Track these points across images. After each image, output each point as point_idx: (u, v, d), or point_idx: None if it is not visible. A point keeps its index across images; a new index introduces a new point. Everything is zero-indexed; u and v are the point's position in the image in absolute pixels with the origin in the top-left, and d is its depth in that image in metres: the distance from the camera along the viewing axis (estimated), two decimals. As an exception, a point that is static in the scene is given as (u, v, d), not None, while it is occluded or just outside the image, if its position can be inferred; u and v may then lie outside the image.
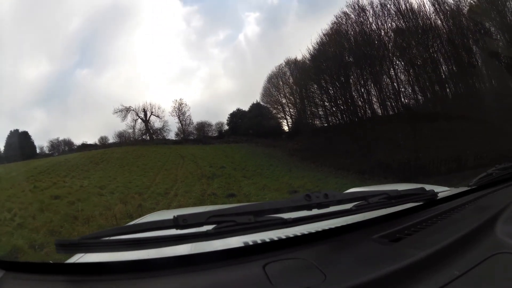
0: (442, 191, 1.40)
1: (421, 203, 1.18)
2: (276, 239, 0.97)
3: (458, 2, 14.13)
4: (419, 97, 15.62)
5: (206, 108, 32.78)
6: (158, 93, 33.52)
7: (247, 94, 32.67)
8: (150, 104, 24.60)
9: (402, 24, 15.52)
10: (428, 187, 1.29)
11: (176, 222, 0.78)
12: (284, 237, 0.96)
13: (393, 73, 15.88)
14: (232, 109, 26.56)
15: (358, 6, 16.88)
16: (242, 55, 29.44)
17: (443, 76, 14.59)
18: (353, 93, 17.42)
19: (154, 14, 34.79)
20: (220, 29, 35.52)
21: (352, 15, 17.17)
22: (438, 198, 1.22)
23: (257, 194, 10.56)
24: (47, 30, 25.40)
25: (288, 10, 30.78)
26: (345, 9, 17.36)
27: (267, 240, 0.96)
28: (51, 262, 0.92)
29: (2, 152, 20.02)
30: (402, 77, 15.71)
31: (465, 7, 14.12)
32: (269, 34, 29.07)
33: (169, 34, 36.23)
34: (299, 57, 21.62)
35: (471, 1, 13.95)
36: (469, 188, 1.40)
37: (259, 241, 0.95)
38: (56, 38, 27.89)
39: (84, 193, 11.53)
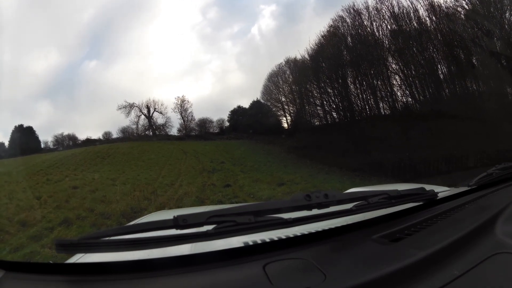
0: (442, 191, 1.40)
1: (421, 203, 1.18)
2: (276, 239, 0.97)
3: (452, 7, 14.24)
4: (415, 97, 15.78)
5: (214, 102, 32.36)
6: (166, 86, 32.93)
7: (257, 89, 32.33)
8: (153, 101, 24.76)
9: (395, 27, 15.68)
10: (428, 187, 1.28)
11: (176, 222, 0.78)
12: (284, 237, 0.96)
13: (388, 74, 16.02)
14: (242, 103, 26.64)
15: (354, 10, 17.07)
16: (256, 49, 28.97)
17: (440, 77, 14.69)
18: (350, 93, 17.58)
19: (171, 6, 34.15)
20: (235, 22, 34.81)
21: (348, 19, 17.38)
22: (438, 198, 1.21)
23: (249, 185, 11.33)
24: (59, 21, 24.89)
25: (304, 5, 30.26)
26: (341, 13, 17.58)
27: (267, 240, 0.96)
28: (51, 262, 0.92)
29: (7, 147, 20.15)
30: (397, 78, 15.87)
31: (459, 11, 14.22)
32: (284, 28, 28.51)
33: (185, 26, 35.52)
34: (299, 57, 21.66)
35: (465, 5, 14.03)
36: (469, 188, 1.39)
37: (259, 241, 0.95)
38: (68, 29, 27.48)
39: (99, 184, 12.22)
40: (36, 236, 6.22)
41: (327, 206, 0.91)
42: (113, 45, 29.16)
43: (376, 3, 16.31)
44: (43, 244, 5.75)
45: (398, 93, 15.92)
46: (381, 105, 16.60)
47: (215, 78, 30.05)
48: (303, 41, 29.05)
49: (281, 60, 24.21)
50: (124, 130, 24.87)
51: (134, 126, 24.77)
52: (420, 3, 14.94)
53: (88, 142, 23.91)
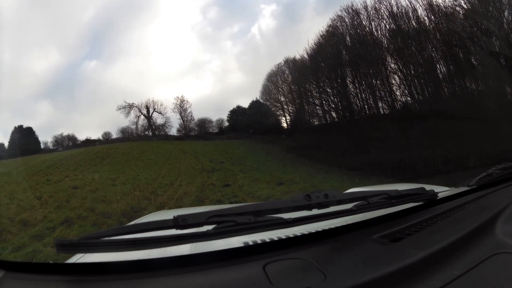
0: (442, 191, 1.40)
1: (421, 203, 1.17)
2: (276, 239, 0.96)
3: (451, 6, 14.27)
4: (414, 97, 15.83)
5: (214, 102, 32.44)
6: (166, 86, 32.69)
7: (256, 89, 32.21)
8: (153, 101, 24.78)
9: (394, 27, 15.73)
10: (428, 187, 1.28)
11: (176, 222, 0.78)
12: (284, 237, 0.96)
13: (387, 73, 16.06)
14: (241, 103, 26.66)
15: (352, 9, 17.16)
16: (256, 48, 28.91)
17: (439, 76, 14.71)
18: (349, 93, 17.62)
19: (171, 6, 34.09)
20: (235, 22, 34.74)
21: (347, 19, 17.46)
22: (438, 198, 1.21)
23: (249, 185, 11.35)
24: (59, 21, 24.81)
25: (305, 5, 30.22)
26: (340, 13, 17.70)
27: (267, 240, 0.96)
28: (51, 262, 0.92)
29: (7, 147, 20.16)
30: (396, 77, 15.92)
31: (457, 11, 14.26)
32: (284, 28, 28.43)
33: (185, 26, 35.47)
34: (298, 57, 21.65)
35: (463, 4, 14.06)
36: (469, 188, 1.39)
37: (259, 241, 0.95)
38: (68, 29, 27.50)
39: (99, 184, 12.28)
40: (38, 235, 6.29)
41: (327, 206, 0.91)
42: (113, 45, 29.26)
43: (375, 2, 16.43)
44: (45, 243, 5.81)
45: (397, 93, 16.03)
46: (380, 104, 16.69)
47: (215, 78, 30.10)
48: (303, 41, 29.04)
49: (281, 60, 24.30)
50: (123, 130, 25.01)
51: (133, 126, 24.90)
52: (419, 3, 15.05)
53: (88, 142, 23.94)
